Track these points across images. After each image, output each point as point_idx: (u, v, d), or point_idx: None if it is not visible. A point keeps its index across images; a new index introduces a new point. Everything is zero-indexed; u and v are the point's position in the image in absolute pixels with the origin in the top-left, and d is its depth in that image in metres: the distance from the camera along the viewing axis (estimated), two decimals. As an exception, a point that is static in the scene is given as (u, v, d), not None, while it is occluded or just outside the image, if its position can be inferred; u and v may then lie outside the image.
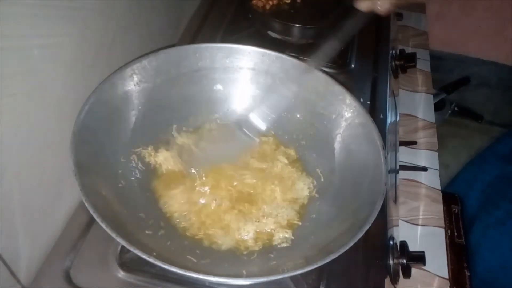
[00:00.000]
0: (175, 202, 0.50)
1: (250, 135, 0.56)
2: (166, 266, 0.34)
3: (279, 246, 0.48)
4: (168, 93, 0.54)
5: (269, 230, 0.49)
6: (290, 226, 0.50)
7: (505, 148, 1.04)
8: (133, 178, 0.50)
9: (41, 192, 0.48)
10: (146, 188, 0.50)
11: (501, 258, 0.85)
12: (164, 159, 0.52)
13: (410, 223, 0.73)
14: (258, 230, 0.49)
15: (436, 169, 0.81)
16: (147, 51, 0.55)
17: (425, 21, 1.13)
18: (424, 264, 0.54)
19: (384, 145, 0.47)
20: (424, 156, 0.84)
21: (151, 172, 0.52)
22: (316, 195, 0.53)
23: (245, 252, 0.47)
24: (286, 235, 0.49)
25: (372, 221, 0.40)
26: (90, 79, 0.50)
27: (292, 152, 0.57)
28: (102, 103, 0.47)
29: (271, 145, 0.58)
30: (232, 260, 0.46)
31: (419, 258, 0.54)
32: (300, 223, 0.50)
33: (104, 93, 0.47)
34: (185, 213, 0.49)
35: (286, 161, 0.56)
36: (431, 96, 0.97)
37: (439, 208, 0.75)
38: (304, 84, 0.55)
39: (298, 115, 0.57)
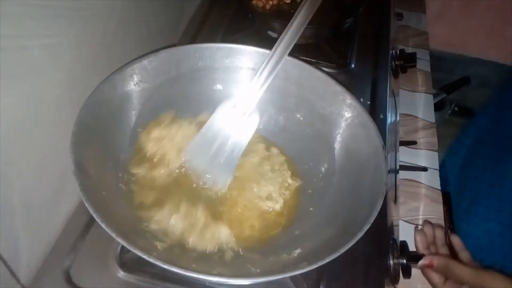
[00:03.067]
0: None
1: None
2: (166, 266, 0.34)
3: (279, 246, 0.48)
4: (168, 93, 0.54)
5: (269, 229, 0.49)
6: (289, 225, 0.50)
7: (469, 139, 1.04)
8: (133, 178, 0.50)
9: (41, 192, 0.48)
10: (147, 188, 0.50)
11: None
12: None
13: (410, 223, 0.73)
14: (257, 229, 0.49)
15: (436, 169, 0.81)
16: (147, 51, 0.55)
17: (425, 21, 1.13)
18: (424, 264, 0.54)
19: (384, 145, 0.47)
20: (424, 156, 0.84)
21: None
22: (313, 194, 0.53)
23: (245, 251, 0.47)
24: (286, 235, 0.49)
25: (372, 221, 0.40)
26: (90, 79, 0.50)
27: (286, 151, 0.57)
28: (102, 103, 0.47)
29: (261, 144, 0.57)
30: (232, 259, 0.46)
31: (419, 258, 0.54)
32: (299, 222, 0.50)
33: (104, 93, 0.47)
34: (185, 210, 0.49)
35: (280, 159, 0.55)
36: (431, 96, 0.97)
37: (439, 208, 0.75)
38: (304, 84, 0.55)
39: (298, 115, 0.57)
